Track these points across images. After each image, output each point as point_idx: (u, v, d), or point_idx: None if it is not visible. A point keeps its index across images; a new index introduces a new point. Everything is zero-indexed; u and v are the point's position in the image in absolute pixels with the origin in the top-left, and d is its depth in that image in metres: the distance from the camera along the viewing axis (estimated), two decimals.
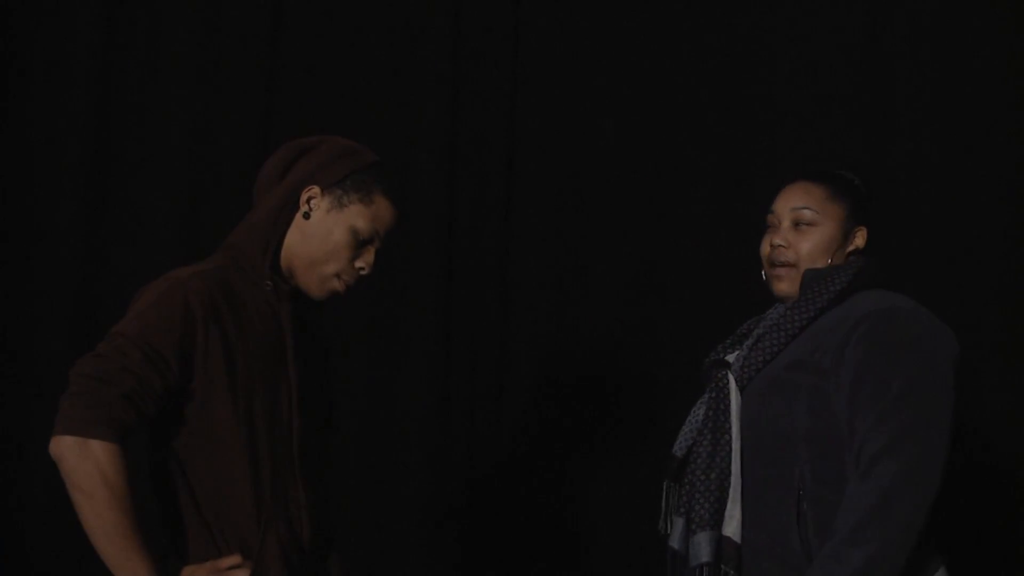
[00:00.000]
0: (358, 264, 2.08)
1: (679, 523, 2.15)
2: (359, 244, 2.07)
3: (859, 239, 2.23)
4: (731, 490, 2.07)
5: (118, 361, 1.86)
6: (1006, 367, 3.15)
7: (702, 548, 2.06)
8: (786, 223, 2.21)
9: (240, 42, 3.28)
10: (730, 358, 2.21)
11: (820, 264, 2.19)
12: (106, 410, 1.83)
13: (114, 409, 1.83)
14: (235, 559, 1.94)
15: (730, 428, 2.11)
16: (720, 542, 2.06)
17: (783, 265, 2.20)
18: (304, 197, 2.06)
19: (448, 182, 3.33)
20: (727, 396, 2.13)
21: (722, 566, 2.06)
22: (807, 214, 2.19)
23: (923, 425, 1.96)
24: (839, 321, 2.09)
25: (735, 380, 2.14)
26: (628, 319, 3.34)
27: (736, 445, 2.10)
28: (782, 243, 2.20)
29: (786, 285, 2.20)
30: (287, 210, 2.06)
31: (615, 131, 3.38)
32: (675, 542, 2.16)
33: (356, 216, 2.06)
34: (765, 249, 2.25)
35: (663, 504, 2.24)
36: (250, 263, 2.04)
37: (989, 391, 3.15)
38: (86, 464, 1.82)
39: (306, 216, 2.06)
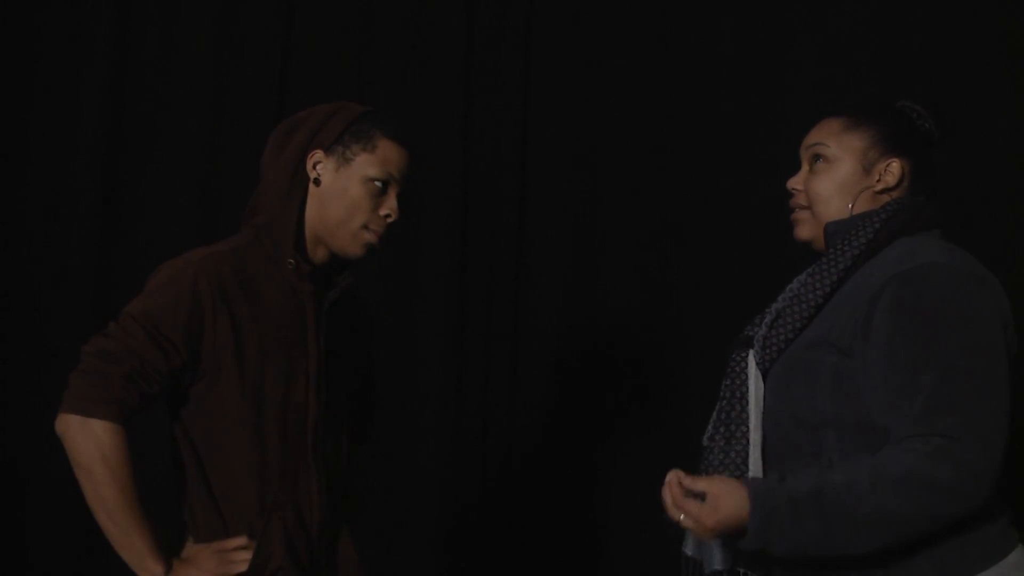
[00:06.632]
0: (383, 211, 2.05)
1: None
2: (377, 192, 2.03)
3: (890, 174, 1.87)
4: None
5: (122, 341, 1.89)
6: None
7: (715, 554, 1.83)
8: (805, 165, 1.94)
9: (254, 27, 3.28)
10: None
11: (837, 206, 1.87)
12: (108, 390, 1.86)
13: (116, 389, 1.86)
14: (241, 541, 1.94)
15: (747, 419, 1.84)
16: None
17: (800, 208, 1.93)
18: (310, 164, 2.04)
19: (462, 163, 3.27)
20: (744, 382, 1.86)
21: (740, 570, 1.82)
22: (821, 149, 1.90)
23: (976, 422, 1.64)
24: (859, 286, 1.77)
25: (756, 362, 1.86)
26: (645, 300, 3.22)
27: (755, 437, 1.83)
28: (796, 186, 1.93)
29: (805, 230, 1.92)
30: (296, 183, 2.04)
31: (631, 107, 3.26)
32: (688, 547, 1.92)
33: (364, 166, 2.03)
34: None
35: None
36: (274, 241, 2.02)
37: None
38: (87, 442, 1.86)
39: (317, 183, 2.04)
